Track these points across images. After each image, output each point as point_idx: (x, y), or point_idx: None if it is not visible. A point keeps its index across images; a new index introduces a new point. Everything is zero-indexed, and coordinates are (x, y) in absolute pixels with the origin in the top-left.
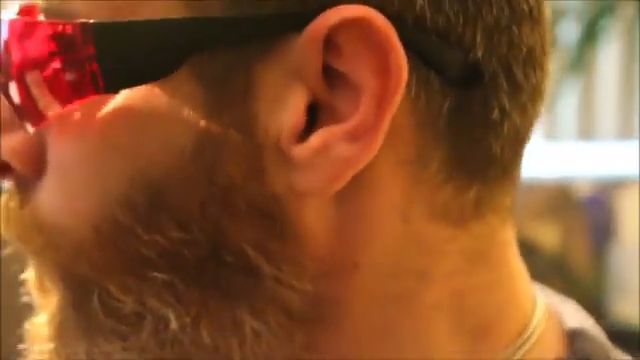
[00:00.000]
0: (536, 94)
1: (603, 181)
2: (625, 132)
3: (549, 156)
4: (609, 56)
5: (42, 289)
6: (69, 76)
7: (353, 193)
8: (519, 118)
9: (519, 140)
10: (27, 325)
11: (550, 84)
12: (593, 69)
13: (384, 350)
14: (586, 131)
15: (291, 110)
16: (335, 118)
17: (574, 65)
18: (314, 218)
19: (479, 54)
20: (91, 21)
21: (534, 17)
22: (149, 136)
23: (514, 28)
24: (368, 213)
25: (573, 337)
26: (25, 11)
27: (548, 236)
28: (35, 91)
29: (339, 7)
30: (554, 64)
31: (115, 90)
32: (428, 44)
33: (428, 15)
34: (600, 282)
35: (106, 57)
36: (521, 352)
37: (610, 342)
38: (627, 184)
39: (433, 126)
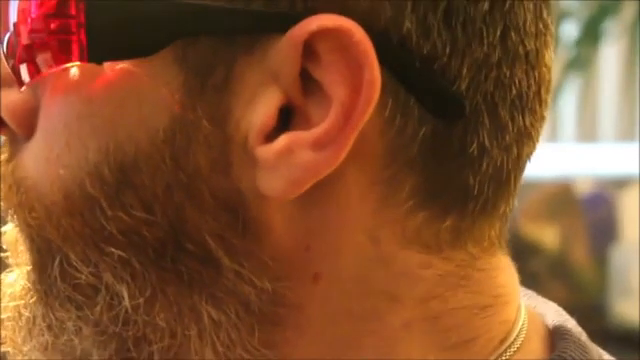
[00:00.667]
0: (524, 137)
1: (604, 181)
2: (626, 134)
3: (550, 157)
4: (610, 57)
5: (16, 247)
6: (60, 40)
7: (320, 204)
8: (501, 157)
9: (502, 179)
10: None
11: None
12: (593, 70)
13: None
14: (586, 133)
15: (263, 110)
16: (305, 124)
17: (574, 66)
18: (277, 221)
19: (463, 87)
20: None
21: (530, 61)
22: (129, 111)
23: (504, 68)
24: (334, 227)
25: (555, 339)
26: None
27: (548, 236)
28: (32, 46)
29: (321, 15)
30: (555, 65)
31: (98, 61)
32: (410, 68)
33: (414, 39)
34: (601, 282)
35: (94, 27)
36: (504, 358)
37: (590, 341)
38: (628, 184)
39: (406, 151)
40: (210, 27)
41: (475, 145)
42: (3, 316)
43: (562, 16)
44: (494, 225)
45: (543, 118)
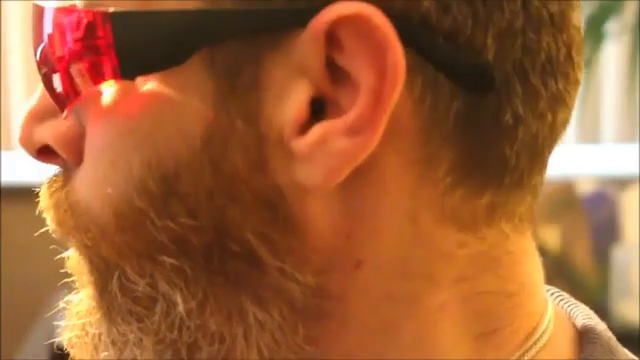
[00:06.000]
0: (557, 102)
1: (605, 181)
2: (627, 135)
3: (551, 157)
4: (611, 57)
5: (80, 270)
6: (93, 61)
7: (358, 190)
8: (536, 125)
9: (537, 147)
10: (65, 302)
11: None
12: (595, 71)
13: (387, 350)
14: (588, 134)
15: (294, 104)
16: (337, 113)
17: None
18: (318, 212)
19: (490, 57)
20: (110, 10)
21: (556, 24)
22: (167, 123)
23: (530, 34)
24: (373, 211)
25: (583, 341)
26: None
27: (550, 236)
28: (72, 74)
29: (339, 3)
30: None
31: (130, 77)
32: (434, 45)
33: (434, 16)
34: (602, 282)
35: (123, 46)
36: (529, 355)
37: (619, 344)
38: (629, 184)
39: (440, 128)
40: (233, 31)
41: (509, 114)
42: (71, 334)
43: None
44: (525, 199)
45: (577, 81)
